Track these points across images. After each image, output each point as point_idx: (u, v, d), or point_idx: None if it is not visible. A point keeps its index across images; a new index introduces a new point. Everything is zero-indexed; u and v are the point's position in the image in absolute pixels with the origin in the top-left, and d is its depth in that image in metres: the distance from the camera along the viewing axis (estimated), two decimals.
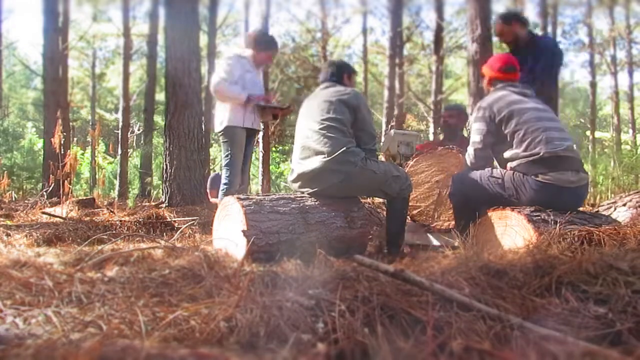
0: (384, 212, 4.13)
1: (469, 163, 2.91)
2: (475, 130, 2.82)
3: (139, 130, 17.40)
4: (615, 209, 3.60)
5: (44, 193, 7.79)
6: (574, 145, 2.71)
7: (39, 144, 14.37)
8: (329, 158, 2.69)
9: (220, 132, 3.86)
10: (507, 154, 2.72)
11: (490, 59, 3.07)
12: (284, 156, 21.01)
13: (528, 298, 1.36)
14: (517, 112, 2.68)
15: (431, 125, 13.09)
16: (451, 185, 2.91)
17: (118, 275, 1.57)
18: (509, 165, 2.71)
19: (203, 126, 7.00)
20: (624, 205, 3.01)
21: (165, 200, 6.36)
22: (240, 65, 3.79)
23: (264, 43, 3.89)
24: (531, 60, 3.76)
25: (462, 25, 15.19)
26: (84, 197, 6.79)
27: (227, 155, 3.80)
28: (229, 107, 3.78)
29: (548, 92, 3.65)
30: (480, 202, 2.69)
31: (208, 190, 6.28)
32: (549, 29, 14.83)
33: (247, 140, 3.89)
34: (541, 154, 2.56)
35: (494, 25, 4.71)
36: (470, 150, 2.88)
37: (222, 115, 3.83)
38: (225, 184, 3.78)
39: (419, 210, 3.58)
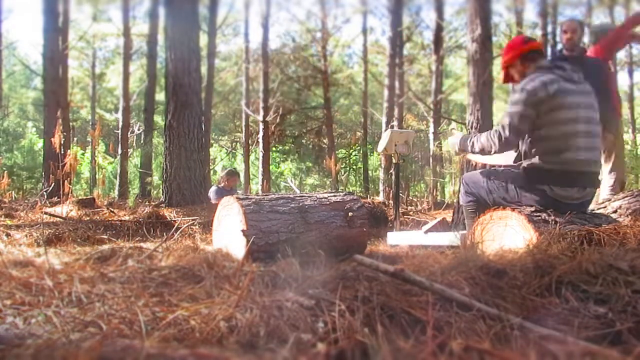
0: (384, 212, 4.12)
1: (493, 145, 2.59)
2: (509, 114, 2.55)
3: (139, 130, 17.39)
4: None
5: (44, 193, 7.81)
6: (600, 154, 2.57)
7: (39, 144, 14.39)
8: None
9: None
10: (526, 147, 2.58)
11: (505, 49, 2.82)
12: (284, 156, 20.99)
13: (528, 298, 1.36)
14: (557, 106, 2.49)
15: (431, 125, 13.08)
16: (462, 187, 2.88)
17: (118, 275, 1.57)
18: (524, 163, 2.60)
19: (203, 126, 7.00)
20: (615, 212, 2.97)
21: (165, 200, 6.36)
22: None
23: None
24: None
25: (462, 25, 15.20)
26: (84, 197, 6.80)
27: None
28: None
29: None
30: (487, 206, 2.66)
31: (213, 202, 6.14)
32: (549, 29, 14.79)
33: None
34: (553, 166, 2.49)
35: (561, 27, 4.31)
36: (499, 131, 2.58)
37: None
38: None
39: None
